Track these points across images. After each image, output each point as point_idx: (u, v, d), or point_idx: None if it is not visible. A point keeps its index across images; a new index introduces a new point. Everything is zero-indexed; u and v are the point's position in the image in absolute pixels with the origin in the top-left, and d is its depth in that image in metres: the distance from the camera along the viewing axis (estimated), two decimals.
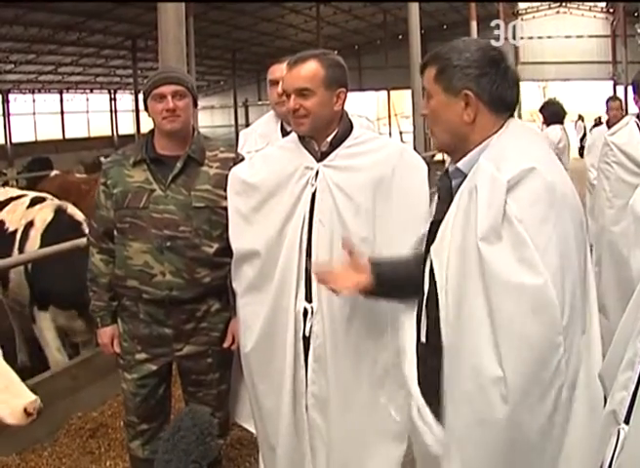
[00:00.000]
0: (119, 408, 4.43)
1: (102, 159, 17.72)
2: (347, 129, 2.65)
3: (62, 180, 8.35)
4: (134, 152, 2.94)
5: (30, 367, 4.75)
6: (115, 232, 2.95)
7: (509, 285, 1.83)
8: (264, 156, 2.80)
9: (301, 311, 2.61)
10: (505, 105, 2.02)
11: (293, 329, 2.63)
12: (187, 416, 1.74)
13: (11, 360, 4.37)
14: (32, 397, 2.37)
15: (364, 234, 2.56)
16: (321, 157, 2.63)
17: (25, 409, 2.31)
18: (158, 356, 2.97)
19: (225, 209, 2.83)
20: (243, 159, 2.96)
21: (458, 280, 1.94)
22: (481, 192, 1.89)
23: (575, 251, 1.90)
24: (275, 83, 3.26)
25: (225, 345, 2.97)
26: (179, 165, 2.87)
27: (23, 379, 4.07)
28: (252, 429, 3.03)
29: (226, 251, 2.87)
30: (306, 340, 2.63)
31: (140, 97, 3.00)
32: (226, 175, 2.84)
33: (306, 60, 2.54)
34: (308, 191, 2.61)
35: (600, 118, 27.00)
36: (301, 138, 2.66)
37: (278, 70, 3.21)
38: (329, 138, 2.61)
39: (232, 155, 2.98)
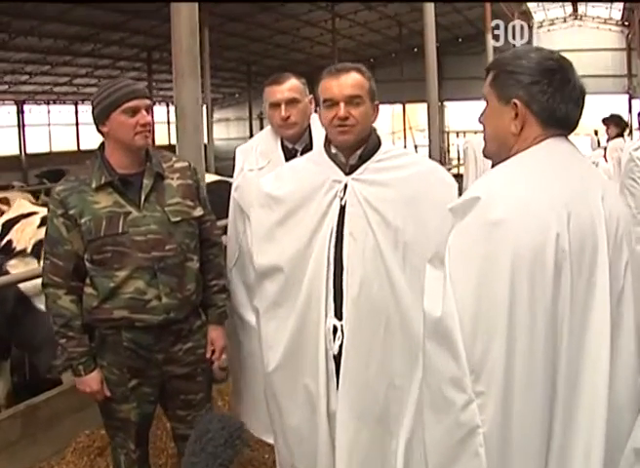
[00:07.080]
0: None
1: None
2: (376, 143, 2.58)
3: None
4: (92, 176, 2.78)
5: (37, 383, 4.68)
6: (90, 265, 2.77)
7: (423, 310, 1.89)
8: (292, 168, 2.72)
9: (331, 329, 2.49)
10: (556, 120, 1.90)
11: (323, 347, 2.50)
12: (215, 419, 1.68)
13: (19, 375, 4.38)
14: None
15: (395, 249, 2.46)
16: (349, 170, 2.55)
17: None
18: (150, 378, 2.87)
19: (196, 219, 2.83)
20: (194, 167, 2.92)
21: None
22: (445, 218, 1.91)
23: (508, 291, 1.73)
24: (277, 105, 3.16)
25: (208, 355, 2.93)
26: (147, 181, 2.75)
27: (31, 396, 4.09)
28: (271, 441, 2.96)
29: (204, 265, 2.90)
30: (335, 359, 2.51)
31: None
32: (189, 185, 2.83)
33: (349, 71, 2.51)
34: (336, 204, 2.53)
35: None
36: (328, 151, 2.58)
37: (278, 92, 3.15)
38: (358, 152, 2.54)
39: (186, 163, 2.93)
